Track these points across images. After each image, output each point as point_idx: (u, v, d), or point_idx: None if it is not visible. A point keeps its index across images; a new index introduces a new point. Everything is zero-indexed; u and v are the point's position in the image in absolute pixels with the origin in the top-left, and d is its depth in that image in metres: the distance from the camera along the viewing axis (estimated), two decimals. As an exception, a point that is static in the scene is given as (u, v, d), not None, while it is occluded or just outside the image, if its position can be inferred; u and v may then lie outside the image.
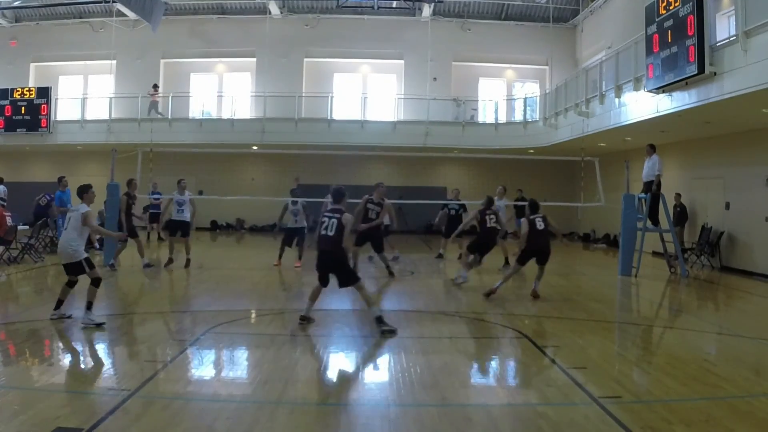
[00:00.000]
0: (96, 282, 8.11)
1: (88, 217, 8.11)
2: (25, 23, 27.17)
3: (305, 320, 8.21)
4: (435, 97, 24.98)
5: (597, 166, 15.20)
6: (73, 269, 8.11)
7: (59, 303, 8.20)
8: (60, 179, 14.44)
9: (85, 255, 8.15)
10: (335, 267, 8.12)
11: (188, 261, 13.73)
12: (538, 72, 27.01)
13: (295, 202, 14.18)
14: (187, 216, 14.06)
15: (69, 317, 8.13)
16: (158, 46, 25.98)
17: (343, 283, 8.13)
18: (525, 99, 25.42)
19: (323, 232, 8.08)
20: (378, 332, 7.73)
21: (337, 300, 10.69)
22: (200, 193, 22.73)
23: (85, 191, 8.40)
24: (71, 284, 8.29)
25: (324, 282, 8.25)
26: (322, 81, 26.67)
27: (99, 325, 7.81)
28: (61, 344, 7.31)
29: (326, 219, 8.16)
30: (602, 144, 19.31)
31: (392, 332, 7.75)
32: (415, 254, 18.77)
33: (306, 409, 5.21)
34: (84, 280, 8.14)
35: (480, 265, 13.58)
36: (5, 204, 14.99)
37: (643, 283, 13.22)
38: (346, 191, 8.41)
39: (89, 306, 7.91)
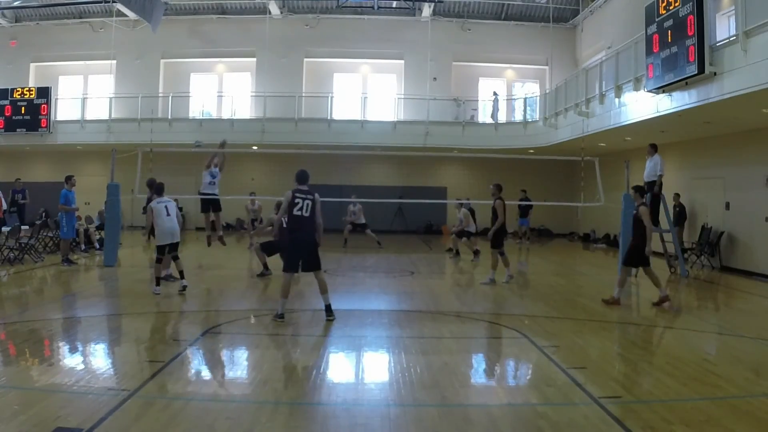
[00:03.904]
0: None
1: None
2: (25, 23, 27.18)
3: (282, 318, 8.26)
4: (435, 97, 25.00)
5: (597, 166, 15.20)
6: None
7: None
8: (68, 178, 14.57)
9: None
10: (313, 248, 8.39)
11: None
12: (538, 72, 27.01)
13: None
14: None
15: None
16: (158, 46, 25.99)
17: (313, 267, 8.39)
18: (525, 99, 25.43)
19: (298, 213, 8.14)
20: (325, 319, 8.32)
21: (337, 300, 10.71)
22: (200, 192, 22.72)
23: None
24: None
25: (297, 268, 8.46)
26: (322, 81, 26.68)
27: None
28: (61, 344, 7.31)
29: (300, 200, 8.17)
30: (602, 144, 19.31)
31: (333, 319, 8.32)
32: (414, 254, 18.76)
33: (306, 409, 5.21)
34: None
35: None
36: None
37: (643, 283, 13.17)
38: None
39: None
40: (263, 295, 10.95)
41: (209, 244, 13.03)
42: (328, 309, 8.39)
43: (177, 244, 10.63)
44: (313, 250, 8.39)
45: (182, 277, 10.48)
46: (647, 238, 9.97)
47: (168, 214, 10.48)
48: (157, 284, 10.27)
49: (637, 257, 10.21)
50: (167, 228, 10.45)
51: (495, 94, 25.08)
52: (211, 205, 12.75)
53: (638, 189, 10.58)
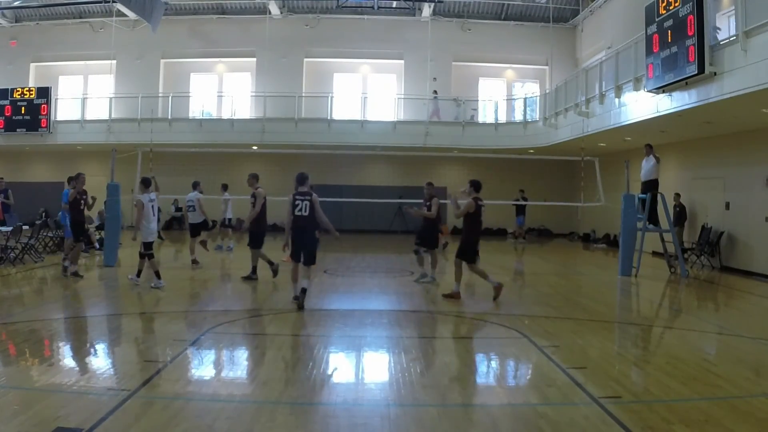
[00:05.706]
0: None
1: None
2: (25, 23, 27.18)
3: (297, 299, 9.26)
4: (435, 97, 24.99)
5: (597, 166, 15.20)
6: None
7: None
8: (71, 179, 14.63)
9: None
10: (312, 244, 9.40)
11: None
12: (538, 72, 27.02)
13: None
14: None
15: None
16: (158, 46, 25.98)
17: (308, 262, 9.33)
18: (525, 99, 25.45)
19: (299, 213, 9.19)
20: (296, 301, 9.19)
21: (337, 300, 10.72)
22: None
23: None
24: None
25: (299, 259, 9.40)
26: (322, 81, 26.67)
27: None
28: (61, 344, 7.31)
29: (299, 202, 9.21)
30: (602, 144, 19.31)
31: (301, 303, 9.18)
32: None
33: (306, 409, 5.21)
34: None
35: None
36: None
37: (643, 283, 13.22)
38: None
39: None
40: (263, 295, 10.95)
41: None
42: (303, 292, 9.25)
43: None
44: (312, 247, 9.37)
45: (158, 277, 10.96)
46: (477, 233, 10.32)
47: (154, 215, 11.43)
48: (158, 277, 10.87)
49: (469, 252, 10.23)
50: (153, 228, 11.48)
51: (435, 92, 25.18)
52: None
53: (473, 183, 10.45)
